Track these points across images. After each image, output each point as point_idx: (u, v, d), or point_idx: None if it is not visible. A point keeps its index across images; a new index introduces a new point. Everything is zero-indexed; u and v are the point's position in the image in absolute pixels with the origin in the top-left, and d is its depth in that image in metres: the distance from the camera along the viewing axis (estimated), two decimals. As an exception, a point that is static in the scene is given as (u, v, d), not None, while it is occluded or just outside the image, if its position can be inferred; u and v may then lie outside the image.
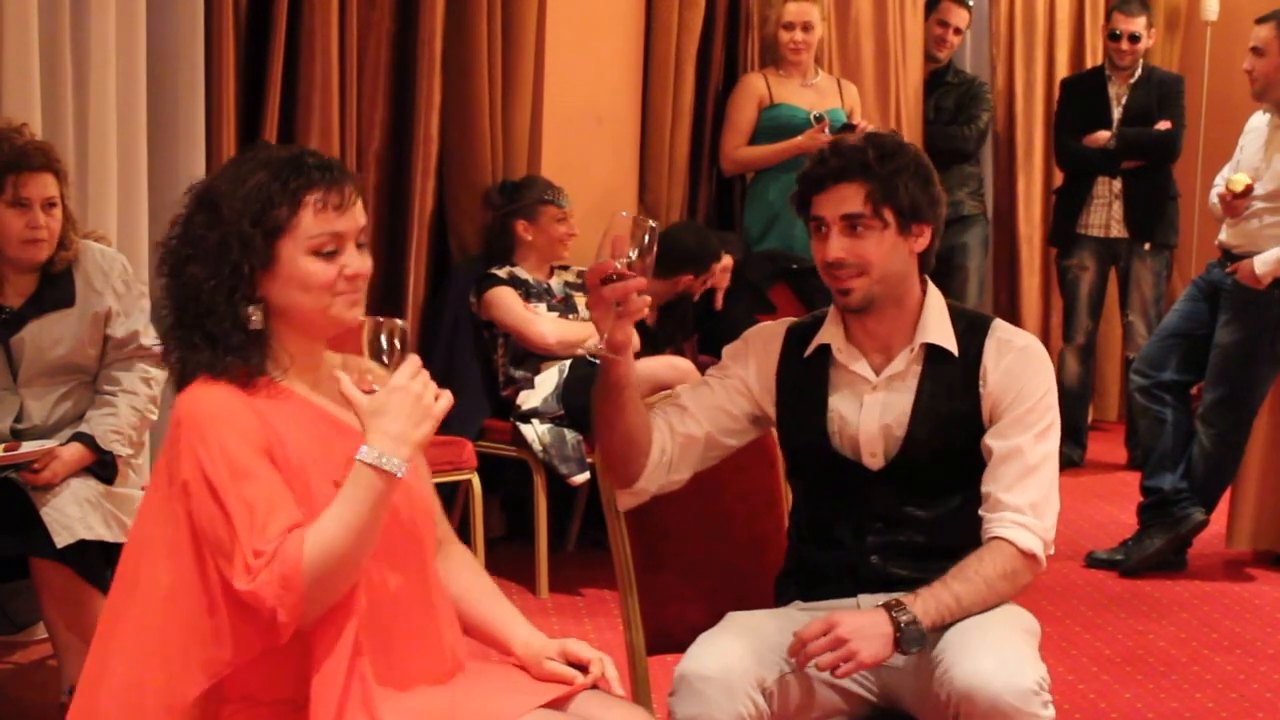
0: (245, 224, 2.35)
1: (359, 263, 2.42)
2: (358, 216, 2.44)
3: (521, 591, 5.33)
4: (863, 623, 2.63)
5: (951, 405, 2.84)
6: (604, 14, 6.31)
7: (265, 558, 2.22)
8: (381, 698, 2.31)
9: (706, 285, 6.00)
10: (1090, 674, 4.71)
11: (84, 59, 4.66)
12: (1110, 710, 4.42)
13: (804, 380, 2.92)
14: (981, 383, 2.84)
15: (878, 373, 2.88)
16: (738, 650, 2.70)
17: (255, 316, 2.38)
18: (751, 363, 2.96)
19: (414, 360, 2.26)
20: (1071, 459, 7.52)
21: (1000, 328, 2.91)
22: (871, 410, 2.86)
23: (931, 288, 2.92)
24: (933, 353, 2.87)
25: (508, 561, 5.42)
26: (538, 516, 5.34)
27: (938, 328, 2.87)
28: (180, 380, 2.41)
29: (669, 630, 3.06)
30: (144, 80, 4.84)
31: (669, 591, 3.10)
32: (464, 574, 2.64)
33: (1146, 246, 7.36)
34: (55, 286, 4.00)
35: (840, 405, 2.89)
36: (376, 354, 2.34)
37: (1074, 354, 7.63)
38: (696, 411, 2.92)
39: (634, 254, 2.61)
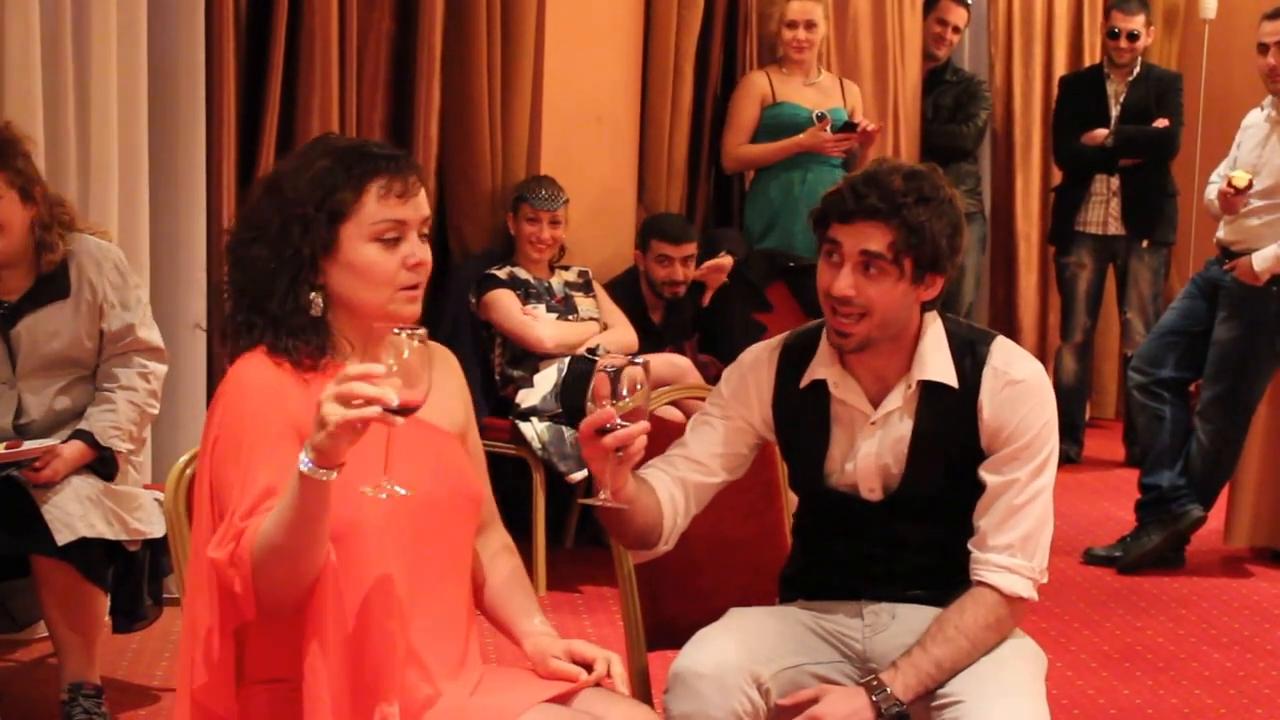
0: (309, 207, 2.38)
1: (422, 251, 2.44)
2: (421, 206, 2.46)
3: (521, 589, 5.33)
4: (844, 714, 2.61)
5: (949, 439, 2.77)
6: (603, 14, 6.31)
7: (235, 533, 2.24)
8: (387, 684, 2.33)
9: (680, 274, 5.97)
10: (1089, 670, 4.72)
11: (85, 60, 4.67)
12: (1109, 706, 4.43)
13: (802, 414, 2.86)
14: (978, 415, 2.76)
15: (875, 404, 2.80)
16: (732, 647, 2.69)
17: (316, 303, 2.41)
18: (752, 399, 2.89)
19: (349, 368, 2.14)
20: (1069, 456, 7.54)
21: (999, 355, 2.79)
22: (868, 449, 2.80)
23: (930, 318, 2.81)
24: (930, 387, 2.78)
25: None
26: (536, 514, 5.35)
27: (935, 362, 2.78)
28: (233, 357, 2.42)
29: (668, 626, 3.07)
30: (145, 80, 4.86)
31: (668, 588, 3.10)
32: (495, 560, 2.66)
33: (1144, 244, 7.37)
34: (51, 280, 4.01)
35: (838, 444, 2.83)
36: (616, 395, 2.43)
37: (1072, 351, 7.65)
38: (708, 461, 2.87)
39: (626, 395, 2.45)
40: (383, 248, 2.41)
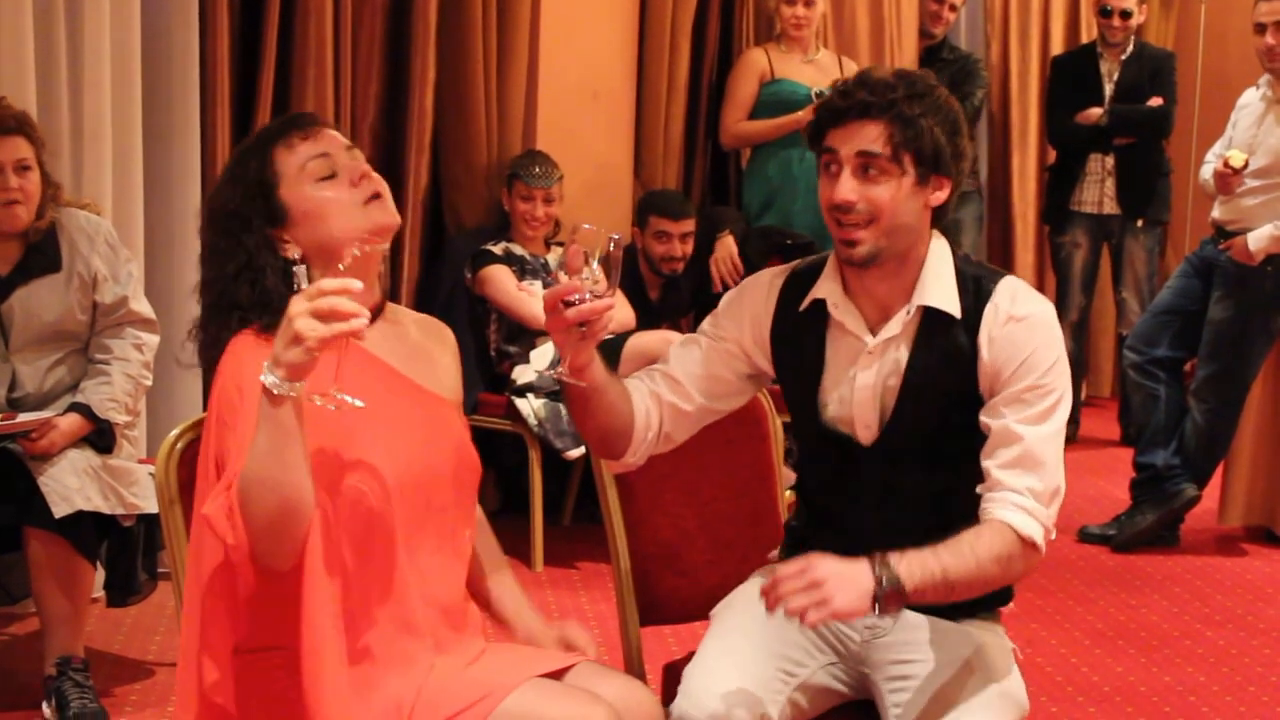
0: (237, 204, 2.42)
1: (361, 164, 2.46)
2: (334, 137, 2.49)
3: (516, 565, 5.34)
4: (842, 570, 2.41)
5: (947, 375, 2.62)
6: (599, -12, 6.31)
7: (225, 486, 2.24)
8: (379, 654, 2.35)
9: (679, 251, 5.96)
10: (1083, 648, 4.73)
11: (78, 34, 4.66)
12: (1102, 684, 4.44)
13: (799, 337, 2.74)
14: (977, 353, 2.60)
15: (874, 332, 2.67)
16: (736, 682, 2.57)
17: (300, 275, 2.40)
18: (746, 320, 2.77)
19: (323, 283, 2.13)
20: (1066, 434, 7.54)
21: (1004, 291, 2.63)
22: (865, 381, 2.67)
23: (937, 241, 2.67)
24: (931, 315, 2.63)
25: (503, 535, 5.31)
26: (532, 490, 5.35)
27: (938, 288, 2.63)
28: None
29: (662, 602, 3.08)
30: (138, 54, 4.85)
31: (662, 564, 3.10)
32: (478, 541, 2.68)
33: (1139, 223, 7.36)
34: (41, 253, 4.01)
35: (834, 373, 2.71)
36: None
37: (1067, 330, 7.62)
38: (687, 382, 2.75)
39: (597, 269, 2.39)
40: (324, 183, 2.44)
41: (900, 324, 2.66)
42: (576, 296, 2.39)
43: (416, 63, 5.62)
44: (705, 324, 2.82)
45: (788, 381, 2.80)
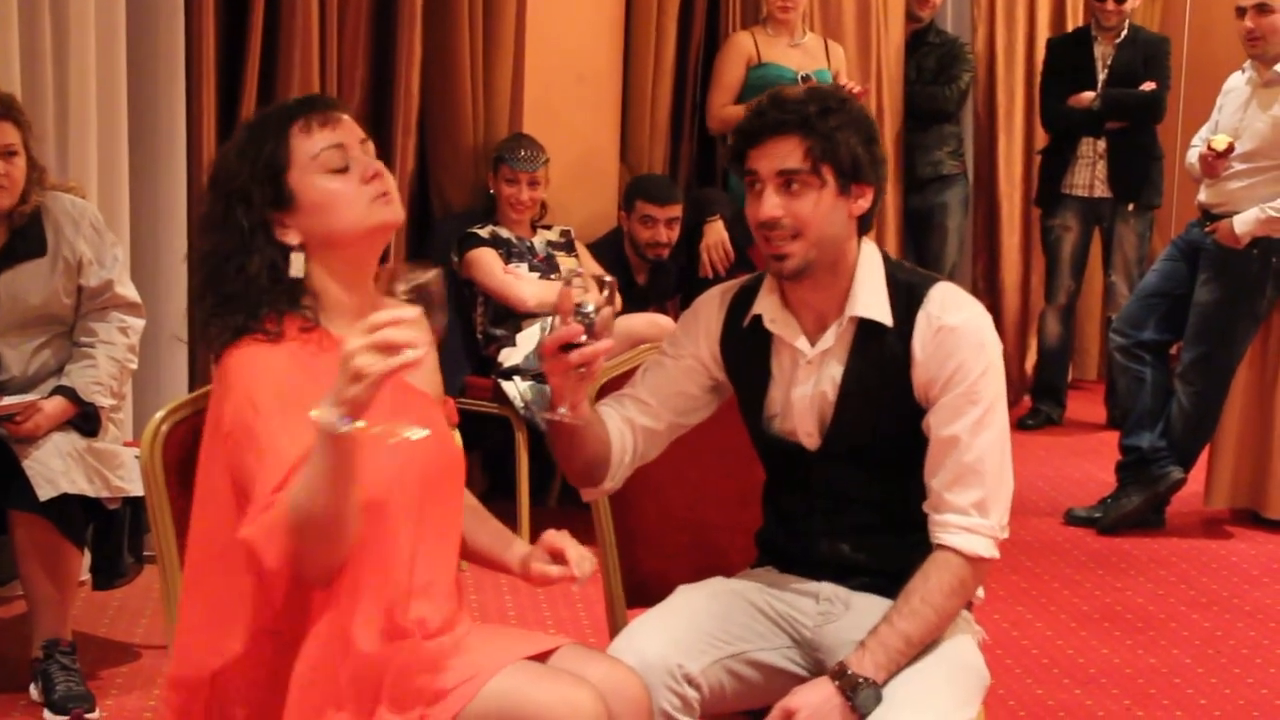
0: (242, 179, 2.39)
1: (375, 163, 2.43)
2: (352, 128, 2.45)
3: (503, 548, 5.34)
4: (817, 704, 2.52)
5: (882, 383, 2.69)
6: (585, -31, 6.30)
7: (263, 506, 2.23)
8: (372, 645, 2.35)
9: (664, 236, 5.96)
10: (1068, 630, 4.74)
11: (63, 16, 4.64)
12: (1088, 666, 4.45)
13: (746, 353, 2.81)
14: (910, 361, 2.66)
15: (813, 343, 2.74)
16: (659, 641, 2.63)
17: (296, 263, 2.39)
18: (701, 337, 2.85)
19: (376, 316, 2.13)
20: (1051, 418, 7.58)
21: (936, 299, 2.69)
22: (803, 391, 2.74)
23: (867, 249, 2.74)
24: (865, 326, 2.70)
25: (489, 519, 5.43)
26: (519, 473, 5.35)
27: (869, 298, 2.69)
28: (220, 348, 2.39)
29: (649, 585, 3.07)
30: (123, 37, 4.83)
31: (649, 547, 3.11)
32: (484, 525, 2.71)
33: (1130, 207, 7.36)
34: (25, 237, 4.00)
35: (778, 385, 2.78)
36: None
37: (1055, 314, 7.65)
38: (655, 403, 2.82)
39: (592, 311, 2.43)
40: (336, 175, 2.41)
41: (834, 335, 2.73)
42: (574, 340, 2.43)
43: (402, 46, 5.60)
44: (665, 343, 2.91)
45: (740, 393, 2.88)
